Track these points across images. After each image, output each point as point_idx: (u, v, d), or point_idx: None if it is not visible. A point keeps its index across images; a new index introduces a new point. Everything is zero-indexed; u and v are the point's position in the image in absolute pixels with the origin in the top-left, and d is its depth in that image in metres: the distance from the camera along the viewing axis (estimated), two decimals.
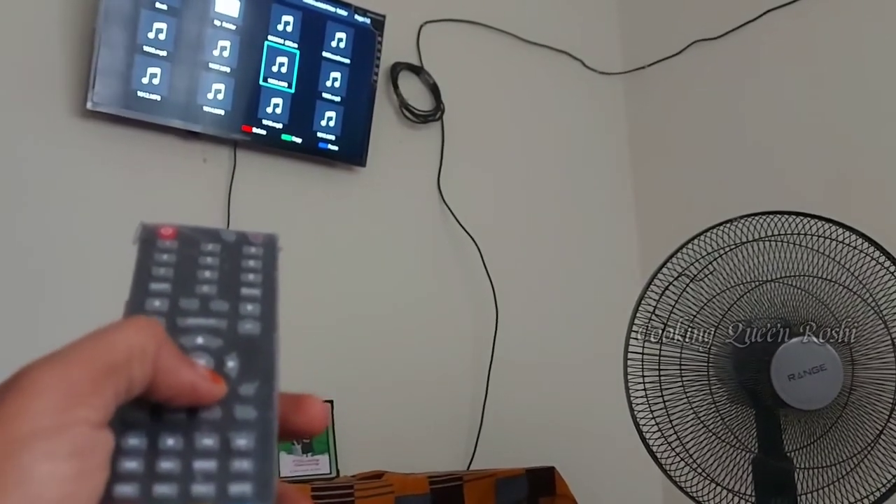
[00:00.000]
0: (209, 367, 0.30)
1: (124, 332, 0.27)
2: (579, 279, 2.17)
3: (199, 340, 0.30)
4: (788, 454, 1.23)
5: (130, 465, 0.27)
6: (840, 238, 1.23)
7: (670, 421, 1.25)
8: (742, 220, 1.25)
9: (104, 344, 0.27)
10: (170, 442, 0.28)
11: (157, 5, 1.53)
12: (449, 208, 1.96)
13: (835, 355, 1.17)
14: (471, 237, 1.96)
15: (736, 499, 1.24)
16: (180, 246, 0.33)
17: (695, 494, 1.24)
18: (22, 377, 0.26)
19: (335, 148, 1.76)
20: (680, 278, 1.27)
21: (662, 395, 1.25)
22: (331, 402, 1.61)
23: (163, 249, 0.33)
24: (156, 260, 0.33)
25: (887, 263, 1.22)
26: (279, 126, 1.69)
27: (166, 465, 0.27)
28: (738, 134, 2.12)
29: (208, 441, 0.28)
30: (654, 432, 1.25)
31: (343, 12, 1.76)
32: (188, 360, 0.29)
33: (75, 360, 0.26)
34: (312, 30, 1.73)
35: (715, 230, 1.27)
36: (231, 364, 0.30)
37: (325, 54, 1.74)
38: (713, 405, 1.25)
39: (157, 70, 1.54)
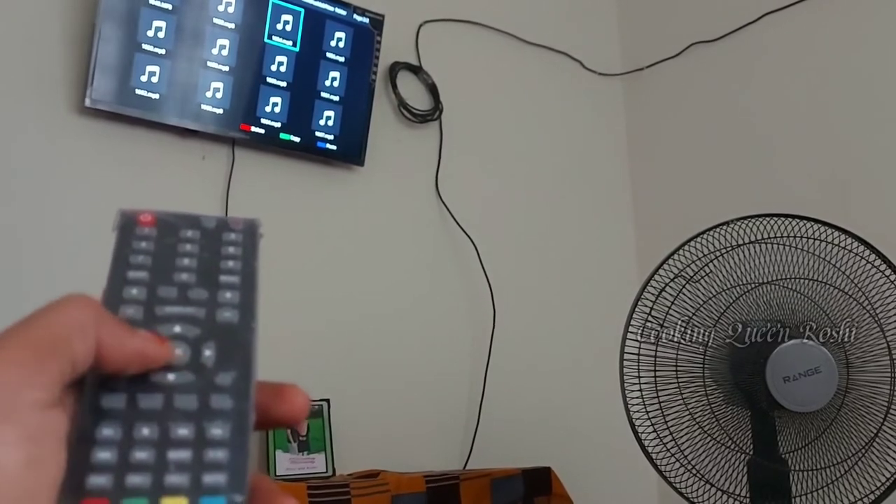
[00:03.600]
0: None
1: (60, 310, 0.27)
2: (576, 279, 2.18)
3: (177, 329, 0.30)
4: (783, 456, 1.24)
5: (104, 455, 0.26)
6: (836, 241, 1.23)
7: (666, 422, 1.25)
8: (739, 223, 1.26)
9: (41, 324, 0.27)
10: (144, 431, 0.27)
11: (157, 3, 1.53)
12: (447, 208, 1.96)
13: (830, 358, 1.18)
14: (468, 237, 1.96)
15: (731, 500, 1.24)
16: (159, 233, 0.33)
17: (690, 496, 1.24)
18: None
19: (333, 147, 1.77)
20: (677, 279, 1.27)
21: (658, 396, 1.25)
22: (327, 400, 1.61)
23: (141, 236, 0.33)
24: (134, 247, 0.32)
25: (883, 267, 1.22)
26: (278, 125, 1.69)
27: (140, 455, 0.27)
28: (736, 136, 2.12)
29: (183, 431, 0.28)
30: (650, 433, 1.25)
31: (342, 11, 1.76)
32: (130, 329, 0.29)
33: (14, 342, 0.26)
34: (311, 29, 1.73)
35: (712, 232, 1.27)
36: (208, 353, 0.30)
37: (324, 53, 1.75)
38: (709, 407, 1.26)
39: (155, 68, 1.54)
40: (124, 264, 0.32)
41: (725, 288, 1.26)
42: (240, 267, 0.33)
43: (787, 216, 1.25)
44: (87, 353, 0.27)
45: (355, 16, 1.78)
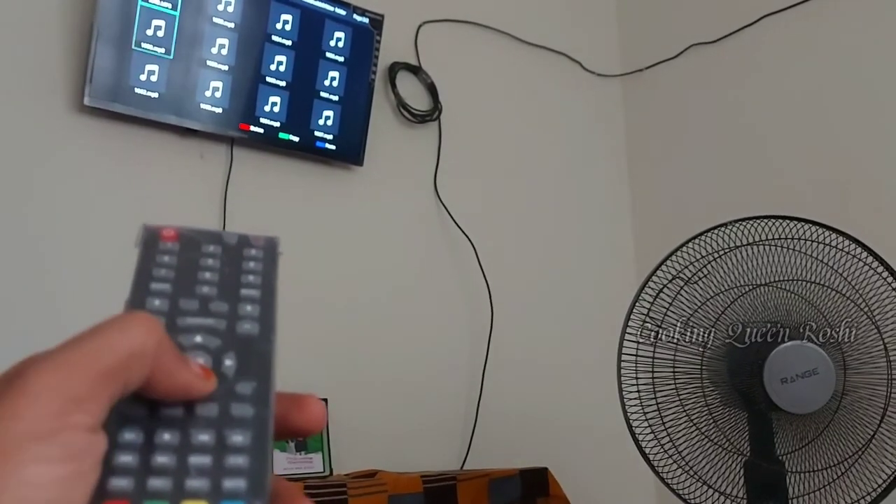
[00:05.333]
0: (206, 364, 0.30)
1: (126, 332, 0.27)
2: (575, 280, 2.18)
3: (198, 339, 0.31)
4: (780, 458, 1.24)
5: (125, 458, 0.27)
6: (834, 243, 1.23)
7: (663, 423, 1.25)
8: (737, 224, 1.26)
9: (105, 345, 0.27)
10: (166, 437, 0.28)
11: (156, 2, 1.53)
12: (445, 208, 1.96)
13: (827, 359, 1.18)
14: (467, 237, 1.96)
15: (728, 502, 1.24)
16: (182, 247, 0.34)
17: (687, 497, 1.25)
18: (20, 376, 0.26)
19: (332, 147, 1.77)
20: (675, 281, 1.27)
21: (656, 397, 1.25)
22: (325, 400, 1.61)
23: (164, 251, 0.33)
24: (157, 261, 0.33)
25: (880, 269, 1.22)
26: (276, 124, 1.69)
27: (161, 459, 0.27)
28: (735, 137, 2.12)
29: (204, 437, 0.28)
30: (647, 434, 1.25)
31: (342, 11, 1.76)
32: (185, 360, 0.29)
33: (74, 363, 0.26)
34: (311, 28, 1.73)
35: (710, 233, 1.27)
36: (229, 363, 0.30)
37: (323, 53, 1.75)
38: (706, 408, 1.26)
39: (154, 67, 1.53)
40: (147, 277, 0.32)
41: (723, 289, 1.26)
42: (260, 281, 0.34)
43: (784, 218, 1.25)
44: (140, 379, 0.27)
45: (355, 16, 1.78)
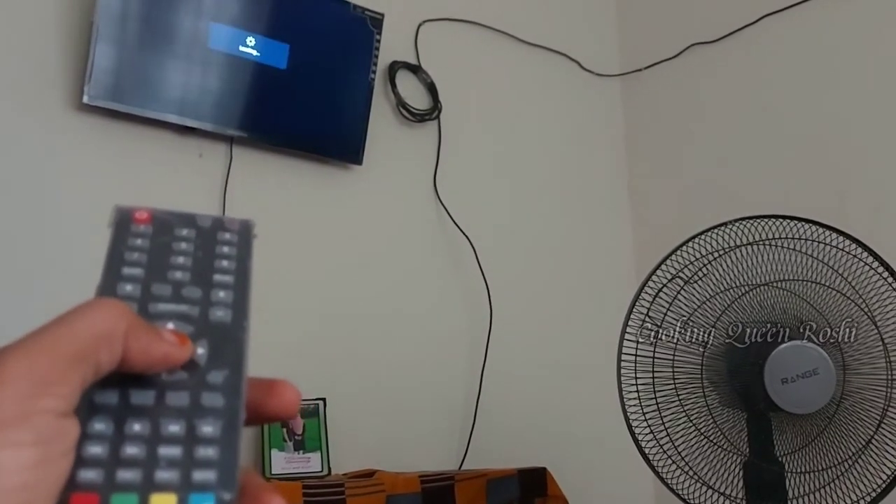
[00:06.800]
0: (175, 330, 0.30)
1: (90, 318, 0.27)
2: (574, 280, 2.17)
3: (170, 326, 0.30)
4: (779, 458, 1.24)
5: (95, 450, 0.27)
6: (834, 243, 1.23)
7: (663, 423, 1.25)
8: (736, 224, 1.26)
9: (70, 331, 0.27)
10: (136, 427, 0.27)
11: (155, 0, 1.53)
12: (445, 208, 1.96)
13: (827, 359, 1.17)
14: (466, 237, 1.96)
15: (727, 502, 1.24)
16: (154, 230, 0.33)
17: (686, 497, 1.24)
18: None
19: (332, 146, 1.76)
20: (674, 281, 1.27)
21: (655, 398, 1.25)
22: (323, 399, 1.61)
23: (136, 234, 0.33)
24: (129, 244, 0.32)
25: (881, 269, 1.22)
26: (276, 123, 1.68)
27: (131, 450, 0.27)
28: (734, 137, 2.12)
29: (174, 427, 0.28)
30: (647, 434, 1.25)
31: (342, 9, 1.76)
32: (157, 333, 0.29)
33: (41, 348, 0.26)
34: (311, 26, 1.72)
35: (709, 233, 1.27)
36: (201, 351, 0.30)
37: (323, 51, 1.74)
38: (706, 408, 1.26)
39: (154, 64, 1.53)
40: (119, 261, 0.32)
41: (722, 289, 1.26)
42: (234, 266, 0.33)
43: (784, 217, 1.25)
44: (111, 361, 0.27)
45: (355, 14, 1.78)
